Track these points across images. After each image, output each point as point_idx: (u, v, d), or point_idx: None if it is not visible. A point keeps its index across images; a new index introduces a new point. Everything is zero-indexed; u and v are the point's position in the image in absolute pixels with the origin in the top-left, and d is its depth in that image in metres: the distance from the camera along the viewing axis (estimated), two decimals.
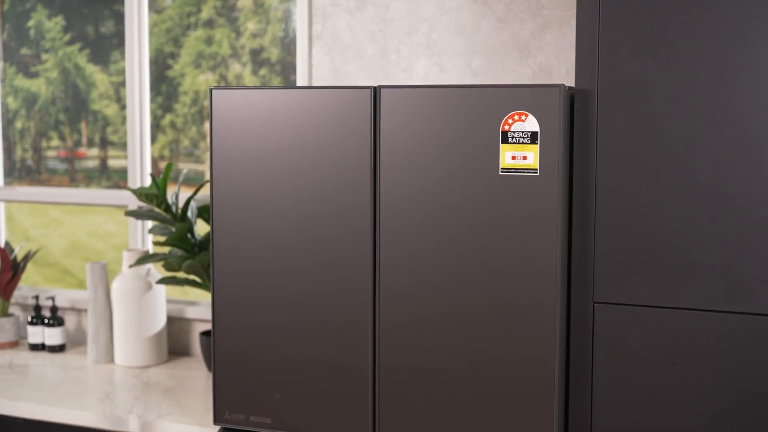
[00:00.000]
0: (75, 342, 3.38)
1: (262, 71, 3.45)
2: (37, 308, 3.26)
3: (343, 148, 2.09)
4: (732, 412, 1.92)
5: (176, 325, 3.21)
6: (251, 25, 3.44)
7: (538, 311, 1.98)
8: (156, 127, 3.58)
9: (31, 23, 3.65)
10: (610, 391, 2.00)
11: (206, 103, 3.59)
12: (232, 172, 2.19)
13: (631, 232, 1.96)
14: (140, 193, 2.83)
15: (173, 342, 3.22)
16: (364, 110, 2.07)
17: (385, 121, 2.05)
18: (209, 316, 3.14)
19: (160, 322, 3.07)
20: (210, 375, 2.93)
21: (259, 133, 2.16)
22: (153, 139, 3.45)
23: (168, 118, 3.71)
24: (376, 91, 2.07)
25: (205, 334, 2.98)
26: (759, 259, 1.87)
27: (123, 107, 3.48)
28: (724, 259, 1.90)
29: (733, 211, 1.88)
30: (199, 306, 3.22)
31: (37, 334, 3.23)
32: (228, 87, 2.19)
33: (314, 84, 2.91)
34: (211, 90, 2.20)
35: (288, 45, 3.34)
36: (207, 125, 3.53)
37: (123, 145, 3.50)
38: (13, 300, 3.44)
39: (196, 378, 2.91)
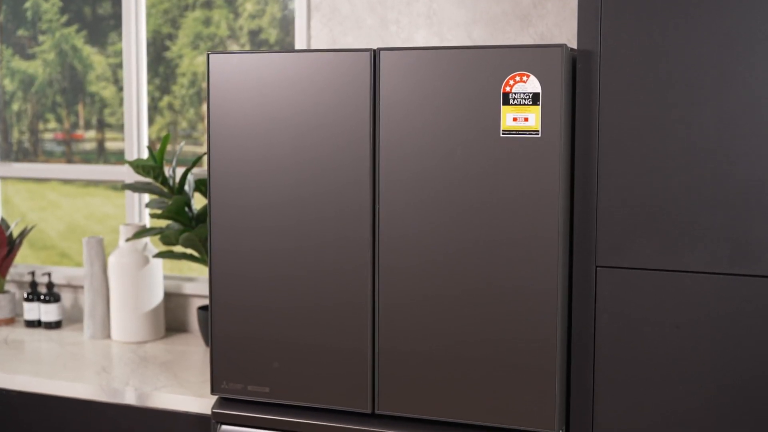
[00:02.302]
0: (71, 319, 3.36)
1: None
2: (33, 284, 3.24)
3: (341, 113, 2.07)
4: (735, 375, 1.89)
5: (173, 301, 3.19)
6: (249, 6, 3.41)
7: (539, 276, 1.96)
8: (153, 109, 3.55)
9: (27, 4, 3.62)
10: (612, 356, 1.98)
11: (204, 85, 3.57)
12: (230, 139, 2.16)
13: (633, 194, 1.93)
14: (137, 165, 2.81)
15: (170, 318, 3.20)
16: (364, 73, 2.04)
17: (384, 84, 2.03)
18: (207, 292, 3.11)
19: (157, 297, 3.05)
20: (208, 350, 2.91)
21: (257, 99, 2.13)
22: (151, 121, 3.43)
23: (166, 99, 3.68)
24: (375, 53, 2.04)
25: (203, 308, 2.95)
26: (764, 222, 1.85)
27: (120, 89, 3.45)
28: (729, 222, 1.87)
29: (737, 173, 1.86)
30: (196, 282, 3.20)
31: (33, 310, 3.21)
32: (225, 51, 2.16)
33: None
34: (208, 55, 2.17)
35: (287, 26, 3.31)
36: (205, 107, 3.50)
37: (120, 127, 3.48)
38: (9, 277, 3.43)
39: (194, 353, 2.88)
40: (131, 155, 3.28)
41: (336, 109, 2.07)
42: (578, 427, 2.03)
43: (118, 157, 3.56)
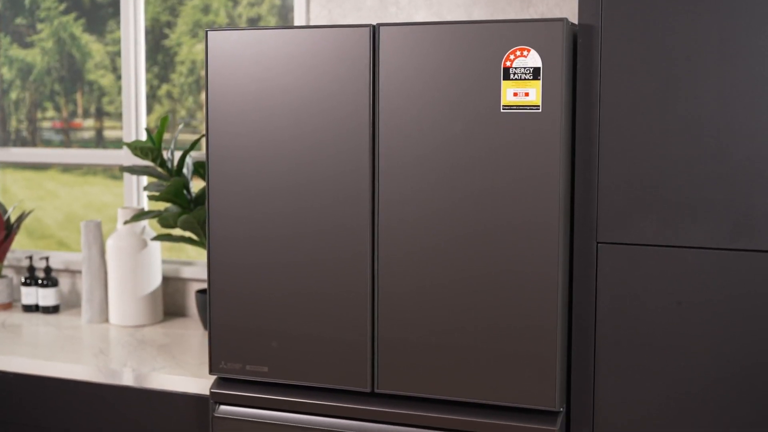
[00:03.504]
0: (69, 304, 3.35)
1: None
2: (31, 269, 3.23)
3: (341, 90, 2.05)
4: (737, 351, 1.88)
5: (172, 286, 3.18)
6: None
7: (540, 255, 1.95)
8: (152, 97, 3.54)
9: None
10: (613, 333, 1.97)
11: (203, 73, 3.55)
12: (228, 121, 2.15)
13: (635, 169, 1.92)
14: (135, 147, 2.79)
15: (169, 302, 3.19)
16: (363, 49, 2.03)
17: (384, 60, 2.02)
18: (205, 276, 3.10)
19: (156, 281, 3.03)
20: (206, 334, 2.89)
21: (256, 77, 2.12)
22: (149, 110, 3.41)
23: (164, 88, 3.66)
24: (374, 29, 2.03)
25: (202, 291, 2.94)
26: (765, 197, 1.84)
27: (119, 77, 3.44)
28: (730, 197, 1.86)
29: (739, 148, 1.85)
30: (194, 266, 3.19)
31: (30, 295, 3.20)
32: (224, 28, 2.15)
33: None
34: (206, 32, 2.16)
35: (285, 14, 3.30)
36: (203, 96, 3.49)
37: (119, 116, 3.47)
38: (6, 263, 3.41)
39: (192, 336, 2.87)
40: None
41: (335, 86, 2.06)
42: (579, 404, 2.01)
43: (117, 146, 3.54)
